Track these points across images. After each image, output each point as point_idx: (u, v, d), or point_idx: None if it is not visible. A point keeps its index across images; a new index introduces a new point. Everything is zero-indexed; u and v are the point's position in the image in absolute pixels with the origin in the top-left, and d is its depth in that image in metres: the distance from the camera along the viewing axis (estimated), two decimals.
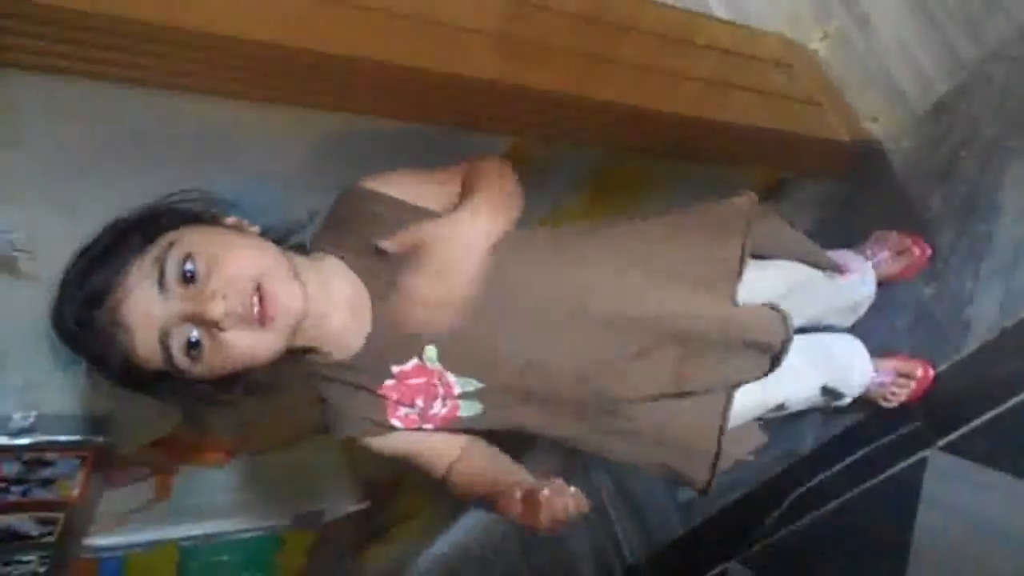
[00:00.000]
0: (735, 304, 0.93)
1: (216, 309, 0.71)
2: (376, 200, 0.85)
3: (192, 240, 0.74)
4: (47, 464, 1.40)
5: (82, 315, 0.73)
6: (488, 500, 0.81)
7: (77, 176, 0.96)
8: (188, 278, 0.72)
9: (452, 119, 1.02)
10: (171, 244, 0.74)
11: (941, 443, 1.27)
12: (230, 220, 0.82)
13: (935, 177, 1.34)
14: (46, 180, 0.95)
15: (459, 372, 0.86)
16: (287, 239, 0.86)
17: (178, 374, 0.75)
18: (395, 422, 0.87)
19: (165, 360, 0.73)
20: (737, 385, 0.95)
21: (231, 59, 0.85)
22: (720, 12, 1.42)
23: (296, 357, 0.84)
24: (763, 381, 0.96)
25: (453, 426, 0.90)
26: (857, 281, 1.25)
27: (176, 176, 1.01)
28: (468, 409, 0.89)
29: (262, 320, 0.73)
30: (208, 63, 0.84)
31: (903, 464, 1.32)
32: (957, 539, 1.24)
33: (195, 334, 0.73)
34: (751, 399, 1.01)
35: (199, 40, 0.81)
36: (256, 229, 0.82)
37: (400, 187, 0.86)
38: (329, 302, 0.81)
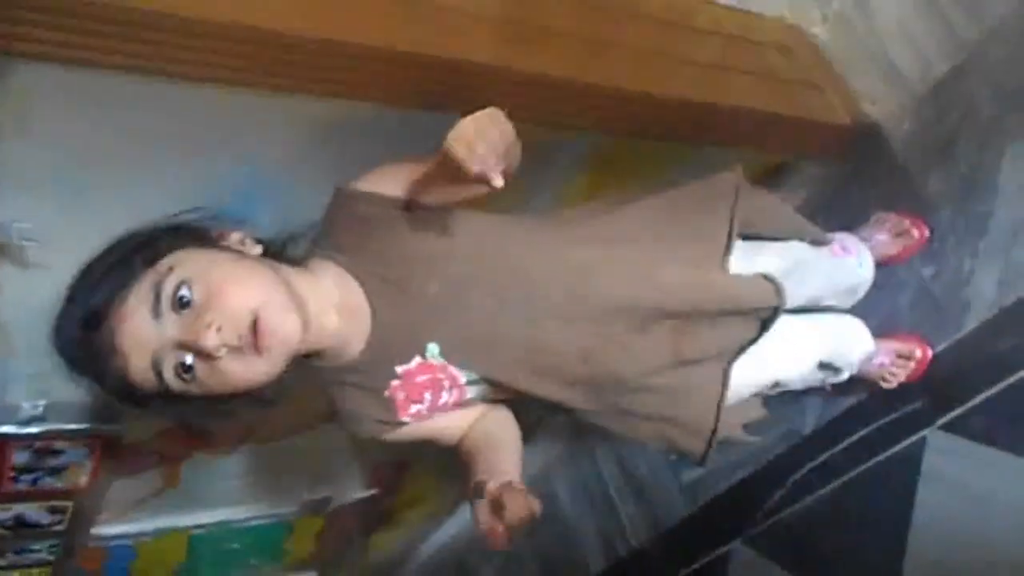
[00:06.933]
0: (726, 271, 0.95)
1: (210, 340, 0.71)
2: (365, 200, 0.85)
3: (190, 266, 0.74)
4: (56, 453, 1.41)
5: (79, 337, 0.73)
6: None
7: (84, 165, 0.97)
8: (183, 304, 0.72)
9: (452, 105, 1.02)
10: (170, 269, 0.73)
11: (940, 422, 1.29)
12: (234, 237, 0.81)
13: (934, 158, 1.34)
14: (54, 169, 0.96)
15: (462, 364, 0.87)
16: (285, 251, 0.86)
17: (172, 395, 0.75)
18: (406, 419, 0.89)
19: (158, 383, 0.74)
20: (733, 357, 0.97)
21: (232, 47, 0.85)
22: None
23: (302, 363, 0.83)
24: (759, 357, 0.98)
25: (464, 404, 0.92)
26: (855, 263, 1.25)
27: (180, 163, 1.02)
28: (476, 392, 0.91)
29: (256, 350, 0.73)
30: (209, 51, 0.84)
31: (904, 443, 1.33)
32: (956, 516, 1.26)
33: (188, 359, 0.73)
34: (747, 375, 1.02)
35: (200, 27, 0.82)
36: (258, 249, 0.82)
37: (388, 182, 0.86)
38: (328, 310, 0.81)
